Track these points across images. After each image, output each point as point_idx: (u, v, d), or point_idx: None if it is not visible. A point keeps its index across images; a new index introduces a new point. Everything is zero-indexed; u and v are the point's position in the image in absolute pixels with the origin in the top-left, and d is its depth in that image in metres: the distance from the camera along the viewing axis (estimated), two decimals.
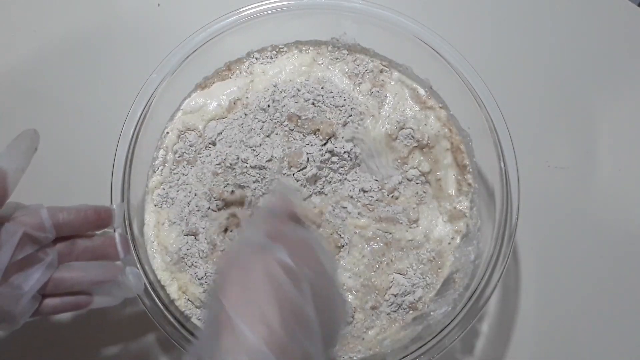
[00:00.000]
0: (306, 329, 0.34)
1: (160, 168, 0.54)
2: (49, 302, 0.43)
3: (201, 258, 0.51)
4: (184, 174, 0.53)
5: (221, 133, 0.54)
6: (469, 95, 0.51)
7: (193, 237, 0.52)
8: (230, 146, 0.53)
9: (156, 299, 0.47)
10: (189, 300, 0.50)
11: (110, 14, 0.65)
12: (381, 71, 0.56)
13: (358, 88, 0.55)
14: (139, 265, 0.47)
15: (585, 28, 0.64)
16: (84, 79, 0.62)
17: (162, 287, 0.50)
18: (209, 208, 0.52)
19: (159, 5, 0.65)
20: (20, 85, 0.62)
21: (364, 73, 0.56)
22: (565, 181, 0.59)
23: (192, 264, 0.51)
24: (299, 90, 0.54)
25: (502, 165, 0.49)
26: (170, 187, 0.53)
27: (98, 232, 0.46)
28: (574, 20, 0.65)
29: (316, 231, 0.51)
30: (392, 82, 0.56)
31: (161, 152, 0.54)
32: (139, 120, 0.50)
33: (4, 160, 0.40)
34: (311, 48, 0.57)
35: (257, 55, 0.57)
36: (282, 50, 0.57)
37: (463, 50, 0.52)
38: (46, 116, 0.61)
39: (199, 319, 0.50)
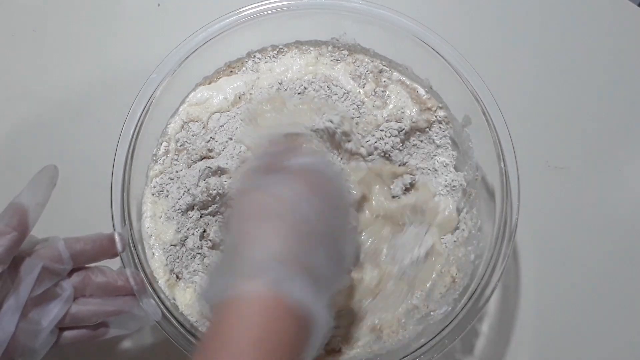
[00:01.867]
0: (311, 245, 0.37)
1: (162, 158, 0.53)
2: (67, 334, 0.44)
3: (197, 270, 0.51)
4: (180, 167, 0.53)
5: (223, 126, 0.54)
6: (469, 95, 0.51)
7: (182, 244, 0.52)
8: (230, 138, 0.53)
9: (175, 323, 0.46)
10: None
11: (110, 14, 0.65)
12: (381, 71, 0.56)
13: (362, 89, 0.55)
14: (142, 272, 0.47)
15: (585, 28, 0.64)
16: (83, 78, 0.62)
17: (175, 308, 0.49)
18: (193, 207, 0.52)
19: (159, 5, 0.65)
20: (20, 85, 0.62)
21: (365, 74, 0.56)
22: (565, 181, 0.59)
23: (192, 280, 0.51)
24: (305, 88, 0.54)
25: (502, 166, 0.49)
26: (169, 178, 0.53)
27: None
28: (574, 20, 0.65)
29: (326, 156, 0.52)
30: (393, 83, 0.56)
31: (164, 143, 0.54)
32: (138, 120, 0.50)
33: (25, 197, 0.41)
34: (312, 48, 0.57)
35: (258, 55, 0.56)
36: (282, 50, 0.57)
37: (463, 50, 0.52)
38: (46, 116, 0.61)
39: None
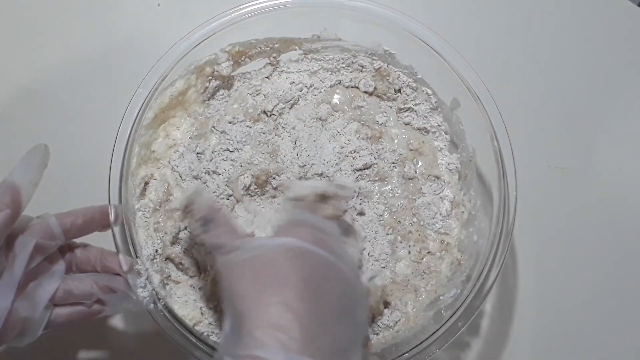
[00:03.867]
0: (331, 311, 0.37)
1: (139, 200, 0.51)
2: (60, 311, 0.43)
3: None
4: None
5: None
6: (468, 95, 0.51)
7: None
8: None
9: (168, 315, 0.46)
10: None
11: (110, 14, 0.65)
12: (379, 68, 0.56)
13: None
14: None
15: (585, 28, 0.65)
16: (83, 78, 0.62)
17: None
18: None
19: (159, 5, 0.65)
20: (20, 85, 0.62)
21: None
22: (565, 181, 0.59)
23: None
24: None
25: (501, 166, 0.49)
26: (153, 223, 0.51)
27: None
28: (573, 20, 0.65)
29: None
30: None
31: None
32: (134, 121, 0.49)
33: (17, 174, 0.40)
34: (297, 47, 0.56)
35: None
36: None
37: (462, 50, 0.52)
38: (45, 117, 0.61)
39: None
